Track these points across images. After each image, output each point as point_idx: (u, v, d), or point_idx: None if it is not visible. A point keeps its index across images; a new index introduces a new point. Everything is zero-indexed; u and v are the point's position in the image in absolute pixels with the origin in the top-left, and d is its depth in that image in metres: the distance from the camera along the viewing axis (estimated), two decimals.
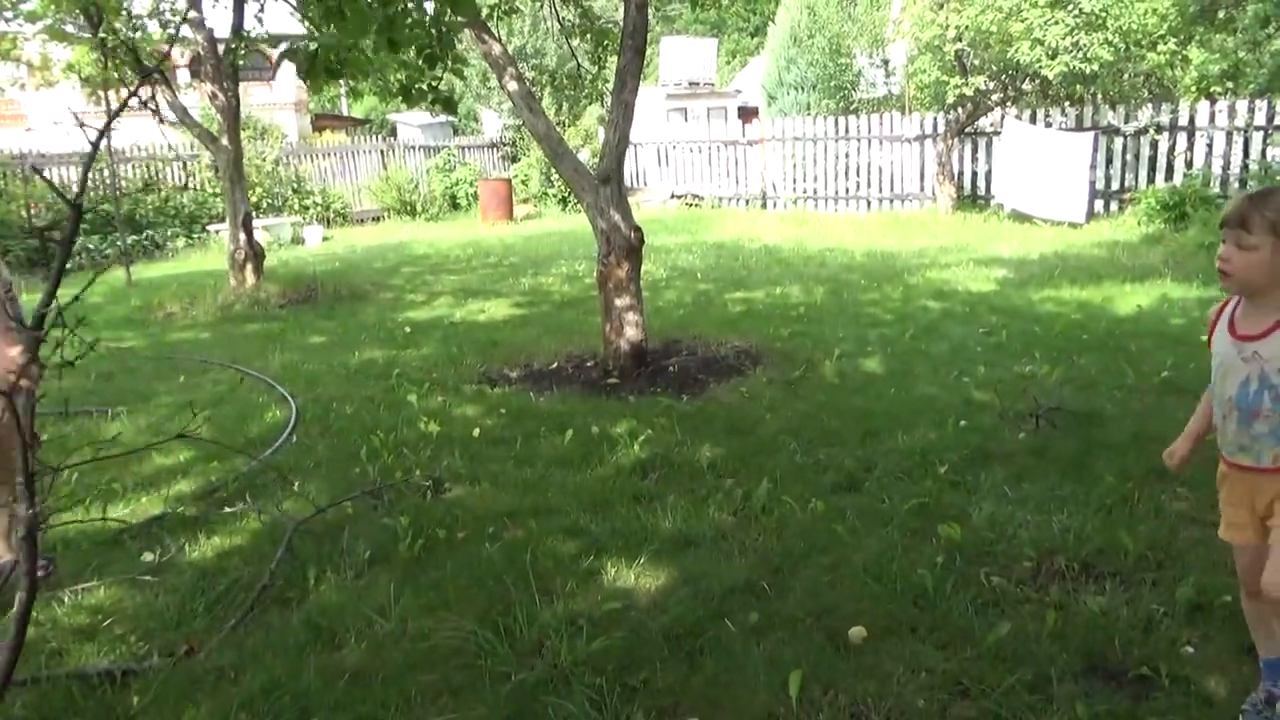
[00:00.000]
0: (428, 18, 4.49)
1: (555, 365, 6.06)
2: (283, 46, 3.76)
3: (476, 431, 4.70)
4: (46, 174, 13.73)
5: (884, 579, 2.98)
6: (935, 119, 14.51)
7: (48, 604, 3.05)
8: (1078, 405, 4.66)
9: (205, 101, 10.95)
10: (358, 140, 19.44)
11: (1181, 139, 12.65)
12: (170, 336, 7.83)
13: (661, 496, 3.76)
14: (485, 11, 7.14)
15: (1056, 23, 11.78)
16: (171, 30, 9.17)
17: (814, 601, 2.88)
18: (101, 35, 8.80)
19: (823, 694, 2.43)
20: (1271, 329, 2.02)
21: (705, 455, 4.20)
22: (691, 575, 3.09)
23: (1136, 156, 12.98)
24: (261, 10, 8.88)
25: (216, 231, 14.06)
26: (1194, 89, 13.41)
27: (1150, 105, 12.87)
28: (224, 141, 9.38)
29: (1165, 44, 12.10)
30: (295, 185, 16.86)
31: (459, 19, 4.74)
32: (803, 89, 18.76)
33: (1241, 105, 12.09)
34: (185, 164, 15.78)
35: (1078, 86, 12.98)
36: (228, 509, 3.88)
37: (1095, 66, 11.87)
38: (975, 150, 14.51)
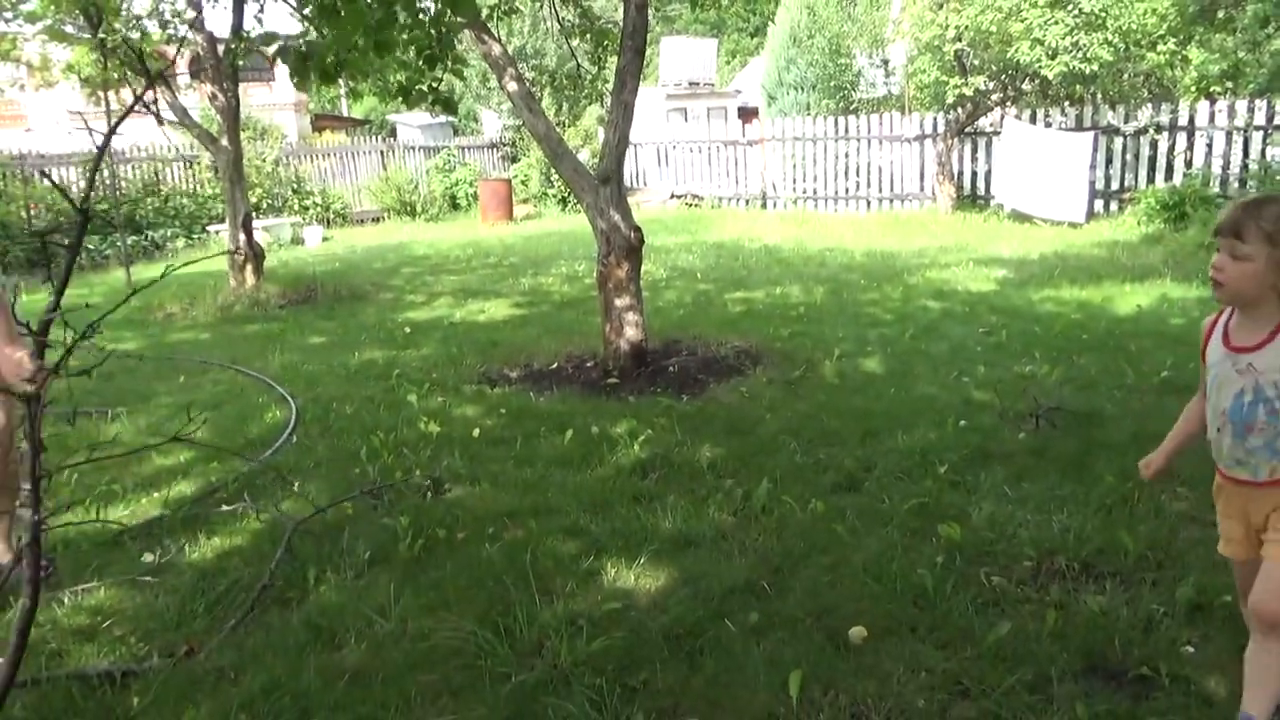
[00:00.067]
0: (427, 18, 4.49)
1: (555, 365, 6.06)
2: (275, 46, 3.75)
3: (476, 432, 4.70)
4: (41, 174, 13.77)
5: (884, 579, 2.98)
6: (935, 119, 14.51)
7: (48, 605, 3.04)
8: (1078, 405, 4.66)
9: (205, 102, 10.94)
10: (357, 141, 19.44)
11: (1181, 139, 12.65)
12: (170, 337, 7.83)
13: (661, 496, 3.76)
14: (485, 12, 7.14)
15: (1056, 23, 11.78)
16: (171, 31, 9.16)
17: (814, 601, 2.88)
18: (101, 36, 8.80)
19: (823, 694, 2.43)
20: (1266, 340, 1.99)
21: (705, 455, 4.20)
22: (691, 575, 3.09)
23: (1136, 156, 12.98)
24: (261, 10, 8.88)
25: (216, 232, 14.07)
26: (1194, 89, 13.42)
27: (1150, 105, 12.87)
28: (224, 142, 9.38)
29: (1165, 44, 12.10)
30: (295, 186, 16.86)
31: (459, 19, 4.74)
32: (802, 89, 18.76)
33: (1241, 105, 12.09)
34: (190, 163, 15.77)
35: (1077, 86, 12.98)
36: (227, 509, 3.88)
37: (1095, 66, 11.87)
38: (975, 150, 14.51)
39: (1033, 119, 13.60)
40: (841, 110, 17.79)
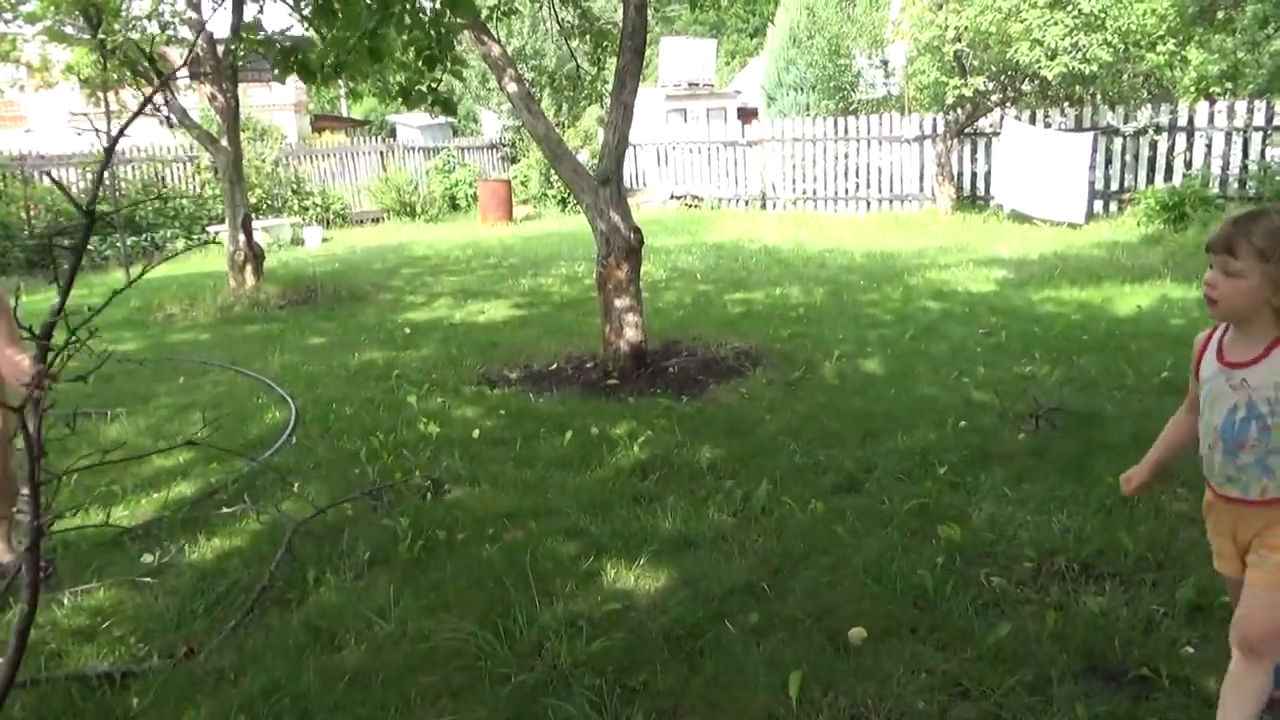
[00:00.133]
0: (426, 19, 4.49)
1: (555, 366, 6.06)
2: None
3: (476, 433, 4.70)
4: (46, 176, 13.77)
5: (884, 580, 2.98)
6: (935, 120, 14.52)
7: (47, 606, 3.04)
8: (1078, 406, 4.66)
9: (204, 103, 10.94)
10: (357, 141, 19.45)
11: (1181, 139, 12.66)
12: (170, 338, 7.83)
13: (661, 498, 3.76)
14: (484, 13, 7.14)
15: (1056, 23, 11.79)
16: (171, 32, 9.17)
17: (814, 602, 2.88)
18: (101, 36, 8.80)
19: (823, 695, 2.42)
20: (1260, 356, 1.96)
21: (705, 456, 4.20)
22: (691, 576, 3.08)
23: (1136, 157, 12.99)
24: (261, 11, 8.89)
25: (216, 233, 14.06)
26: (1193, 89, 13.42)
27: (1149, 106, 12.88)
28: (223, 143, 9.38)
29: (1164, 44, 12.10)
30: (295, 186, 16.87)
31: (458, 20, 4.74)
32: (802, 90, 18.77)
33: (1241, 106, 12.09)
34: (193, 164, 15.76)
35: (1077, 87, 12.98)
36: (227, 510, 3.88)
37: (1094, 67, 11.88)
38: (975, 151, 14.52)
39: (1032, 120, 13.60)
40: (841, 111, 17.80)
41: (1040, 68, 12.07)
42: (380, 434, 4.60)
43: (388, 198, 17.88)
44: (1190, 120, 12.52)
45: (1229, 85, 13.19)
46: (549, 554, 3.29)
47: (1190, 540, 3.16)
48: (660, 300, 8.07)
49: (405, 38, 4.54)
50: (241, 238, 9.43)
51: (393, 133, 23.00)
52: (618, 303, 5.66)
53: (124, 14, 8.95)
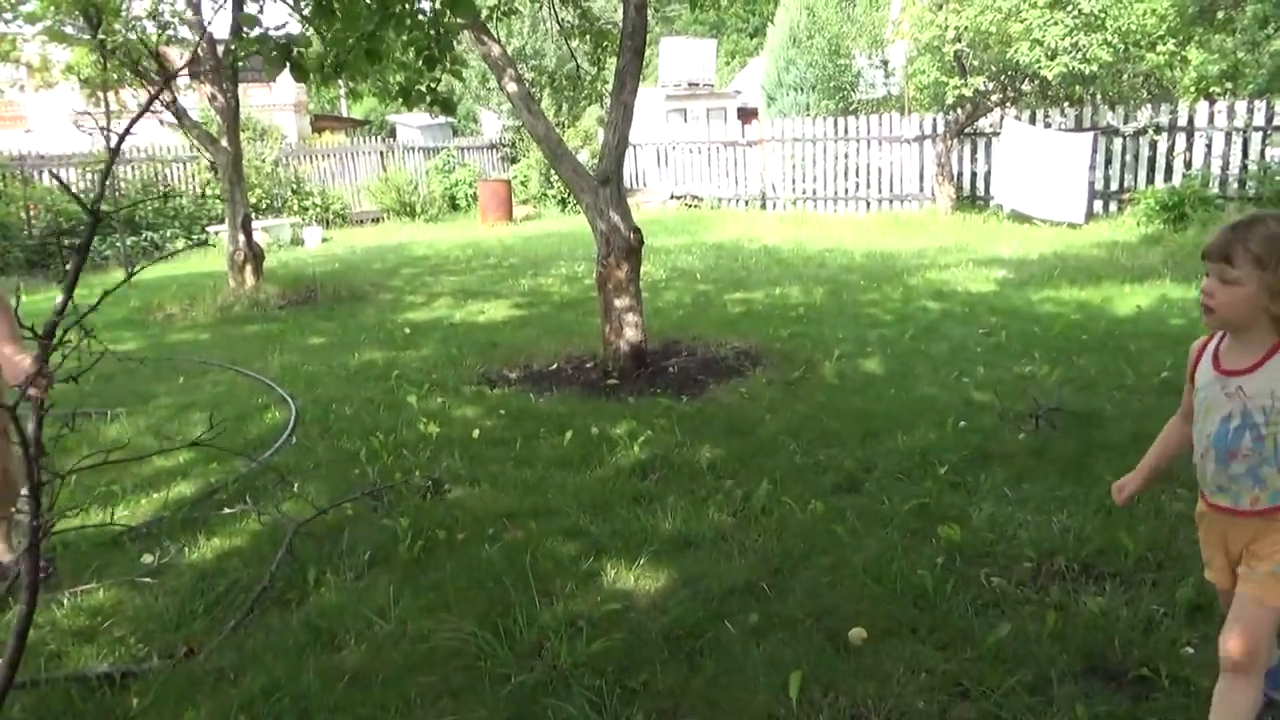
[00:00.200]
0: (426, 19, 4.49)
1: (555, 366, 6.06)
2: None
3: (476, 433, 4.70)
4: (46, 176, 13.77)
5: (884, 580, 2.98)
6: (934, 120, 14.52)
7: (47, 606, 3.04)
8: (1077, 406, 4.66)
9: (204, 103, 10.94)
10: (357, 141, 19.45)
11: (1181, 139, 12.66)
12: (170, 338, 7.83)
13: (661, 497, 3.76)
14: (484, 13, 7.14)
15: (1055, 23, 11.79)
16: (171, 33, 9.16)
17: (814, 602, 2.88)
18: (100, 37, 8.80)
19: (823, 695, 2.42)
20: (1257, 364, 1.93)
21: (705, 456, 4.20)
22: (691, 576, 3.08)
23: (1136, 157, 12.99)
24: (261, 11, 8.88)
25: (216, 233, 14.07)
26: (1193, 89, 13.43)
27: (1149, 106, 12.88)
28: (223, 143, 9.38)
29: (1164, 45, 12.11)
30: (295, 186, 16.87)
31: (457, 20, 4.74)
32: (802, 90, 18.78)
33: (1241, 106, 12.10)
34: (197, 165, 15.75)
35: (1077, 87, 12.99)
36: (227, 510, 3.88)
37: (1094, 67, 11.88)
38: (975, 151, 14.52)
39: (1032, 120, 13.60)
40: (841, 111, 17.80)
41: (1040, 68, 12.08)
42: (380, 434, 4.60)
43: (388, 198, 17.89)
44: (1190, 120, 12.53)
45: (1229, 85, 13.20)
46: (549, 554, 3.29)
47: (1190, 540, 3.15)
48: (660, 300, 8.07)
49: (405, 38, 4.54)
50: (241, 238, 9.42)
51: (393, 133, 23.00)
52: (618, 302, 5.66)
53: (124, 14, 8.94)
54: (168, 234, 14.44)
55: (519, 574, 3.10)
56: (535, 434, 4.65)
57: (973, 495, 3.65)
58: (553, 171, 14.79)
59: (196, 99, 12.86)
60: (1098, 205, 12.98)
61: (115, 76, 9.66)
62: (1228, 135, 12.18)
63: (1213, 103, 12.46)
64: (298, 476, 4.23)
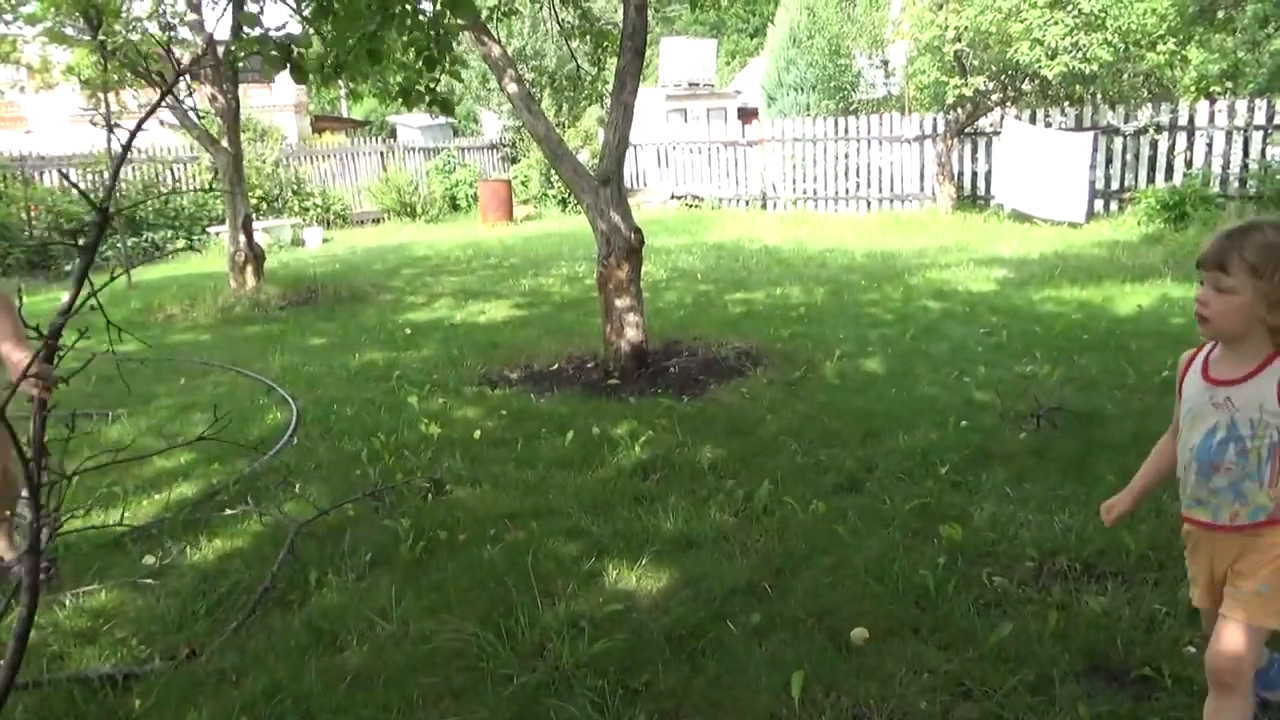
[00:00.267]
0: (426, 20, 4.49)
1: (556, 366, 6.06)
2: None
3: (477, 433, 4.70)
4: (46, 177, 13.76)
5: (886, 580, 2.98)
6: (935, 119, 14.52)
7: (49, 608, 3.04)
8: (1079, 405, 4.66)
9: (205, 104, 10.95)
10: (357, 142, 19.45)
11: (1181, 139, 12.66)
12: (170, 338, 7.83)
13: (663, 498, 3.76)
14: (484, 13, 7.14)
15: (1056, 23, 11.79)
16: (172, 33, 9.17)
17: (816, 602, 2.88)
18: (101, 38, 8.80)
19: (825, 695, 2.42)
20: (1249, 375, 1.88)
21: (706, 456, 4.20)
22: (693, 576, 3.08)
23: (1136, 156, 12.99)
24: (261, 12, 8.88)
25: (216, 234, 14.07)
26: (1193, 89, 13.43)
27: (1150, 105, 12.88)
28: (224, 144, 9.38)
29: (1164, 44, 12.11)
30: (295, 187, 16.87)
31: (457, 21, 4.74)
32: (802, 90, 18.77)
33: (1241, 105, 12.09)
34: (198, 166, 15.75)
35: (1077, 86, 12.98)
36: (229, 511, 3.88)
37: (1095, 66, 11.88)
38: (975, 150, 14.52)
39: (1032, 119, 13.60)
40: (841, 111, 17.80)
41: (1040, 67, 12.07)
42: (381, 435, 4.60)
43: (388, 198, 17.89)
44: (1190, 119, 12.52)
45: (1229, 84, 13.19)
46: (550, 554, 3.29)
47: None
48: (661, 300, 8.07)
49: (405, 38, 4.54)
50: (242, 238, 9.43)
51: (393, 133, 23.00)
52: (618, 303, 5.66)
53: (124, 15, 8.95)
54: (168, 235, 14.45)
55: (520, 574, 3.10)
56: (536, 434, 4.65)
57: (974, 495, 3.65)
58: (553, 172, 14.78)
59: (197, 99, 12.88)
60: (1098, 205, 12.98)
61: (115, 78, 9.66)
62: (1228, 134, 12.18)
63: (1213, 102, 12.46)
64: (299, 477, 4.23)
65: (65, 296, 1.94)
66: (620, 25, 5.87)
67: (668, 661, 2.60)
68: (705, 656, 2.63)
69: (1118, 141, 13.05)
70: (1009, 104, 13.81)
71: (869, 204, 15.40)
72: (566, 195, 16.83)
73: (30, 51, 10.65)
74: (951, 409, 4.70)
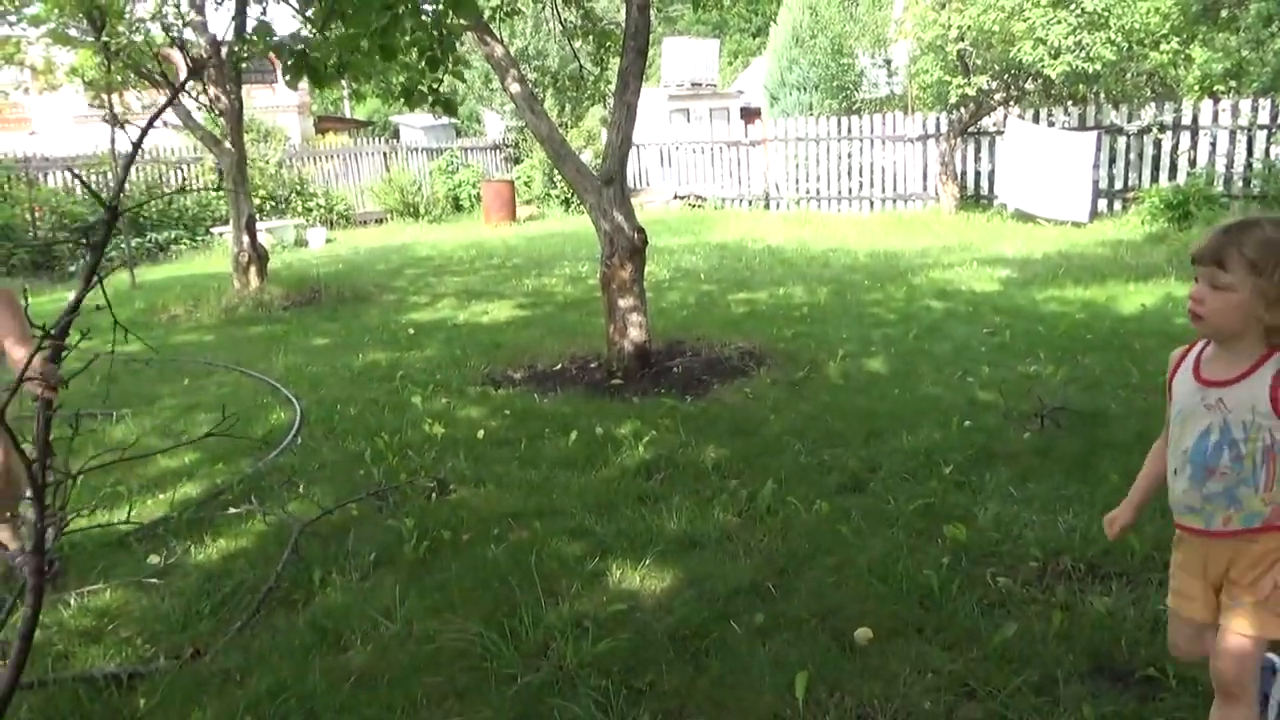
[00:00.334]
0: (429, 20, 4.49)
1: (559, 366, 6.06)
2: (271, 40, 3.75)
3: (481, 433, 4.71)
4: (50, 178, 13.79)
5: (889, 580, 2.98)
6: (938, 119, 14.51)
7: (54, 607, 3.05)
8: (1082, 405, 4.65)
9: (206, 105, 10.96)
10: (360, 142, 19.47)
11: (1185, 138, 12.64)
12: (174, 339, 7.84)
13: (666, 498, 3.76)
14: (487, 13, 7.15)
15: (1059, 22, 11.78)
16: (175, 34, 9.18)
17: (819, 602, 2.87)
18: (104, 39, 8.82)
19: (829, 695, 2.42)
20: (1242, 375, 1.81)
21: (710, 456, 4.20)
22: (697, 576, 3.08)
23: (1140, 156, 12.97)
24: (264, 13, 8.90)
25: (220, 234, 14.09)
26: (1197, 88, 13.41)
27: (1153, 104, 12.86)
28: (227, 145, 9.39)
29: (1168, 43, 12.10)
30: (298, 188, 16.89)
31: (460, 21, 4.75)
32: (805, 89, 18.77)
33: (1245, 104, 12.07)
34: (201, 167, 15.76)
35: (1080, 86, 12.98)
36: (233, 511, 3.88)
37: (1098, 66, 11.87)
38: (978, 150, 14.50)
39: (1036, 118, 13.58)
40: (844, 110, 17.79)
41: (1044, 66, 12.06)
42: (385, 435, 4.60)
43: (391, 199, 17.91)
44: (1194, 119, 12.50)
45: (1233, 84, 13.17)
46: (554, 554, 3.29)
47: None
48: (664, 300, 8.07)
49: (408, 38, 4.54)
50: (246, 239, 9.44)
51: (396, 134, 23.03)
52: (621, 303, 5.66)
53: (127, 16, 8.96)
54: (172, 235, 14.47)
55: (524, 574, 3.10)
56: (540, 434, 4.65)
57: (978, 495, 3.65)
58: (556, 172, 14.79)
59: (202, 99, 12.89)
60: (1102, 204, 12.96)
61: (119, 79, 9.68)
62: (1232, 134, 12.16)
63: (1217, 101, 12.44)
64: (303, 477, 4.24)
65: (71, 295, 1.94)
66: (623, 25, 5.87)
67: (671, 661, 2.60)
68: (709, 656, 2.63)
69: (1121, 141, 13.03)
70: (1012, 103, 13.80)
71: (872, 204, 15.39)
72: (569, 195, 16.85)
73: (34, 53, 10.67)
74: (955, 409, 4.69)
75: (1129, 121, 12.92)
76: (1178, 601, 2.01)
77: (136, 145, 2.03)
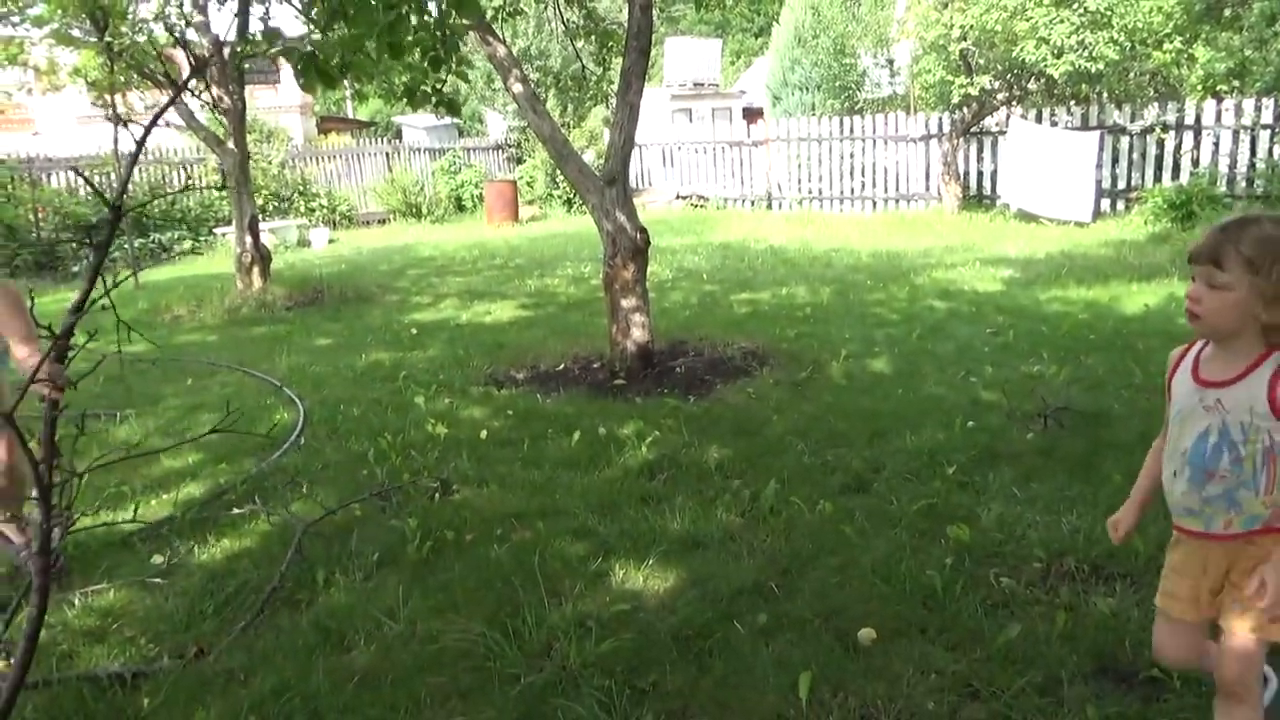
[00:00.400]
0: (431, 20, 4.49)
1: (562, 367, 6.06)
2: (280, 45, 3.75)
3: (484, 433, 4.71)
4: (54, 179, 13.81)
5: (893, 580, 2.98)
6: (940, 119, 14.50)
7: (58, 606, 3.06)
8: (1085, 405, 4.65)
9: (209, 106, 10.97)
10: (363, 143, 19.48)
11: (1188, 138, 12.63)
12: (178, 339, 7.85)
13: (669, 498, 3.76)
14: (489, 13, 7.15)
15: (1062, 21, 11.77)
16: (178, 34, 9.19)
17: (823, 603, 2.87)
18: (108, 39, 8.83)
19: (832, 696, 2.42)
20: (1240, 376, 1.80)
21: (713, 456, 4.20)
22: (700, 577, 3.08)
23: (1143, 155, 12.96)
24: (267, 14, 8.90)
25: (223, 234, 14.11)
26: (1200, 87, 13.39)
27: (1156, 104, 12.85)
28: (230, 145, 9.40)
29: (1171, 42, 12.08)
30: (301, 188, 16.90)
31: (463, 21, 4.75)
32: (807, 89, 18.75)
33: (1248, 104, 12.06)
34: (204, 167, 15.77)
35: (1083, 85, 12.97)
36: (237, 511, 3.89)
37: (1101, 65, 11.86)
38: (981, 150, 14.49)
39: (1038, 118, 13.57)
40: (846, 110, 17.78)
41: (1046, 66, 12.05)
42: (388, 435, 4.61)
43: (394, 199, 17.92)
44: (1197, 118, 12.49)
45: (1236, 83, 13.15)
46: (557, 554, 3.29)
47: None
48: (666, 300, 8.07)
49: (411, 38, 4.54)
50: (248, 239, 9.45)
51: (398, 134, 23.03)
52: (624, 303, 5.66)
53: (130, 17, 8.97)
54: (174, 235, 14.48)
55: (527, 574, 3.11)
56: (543, 434, 4.66)
57: (981, 495, 3.65)
58: (558, 172, 14.80)
59: (205, 99, 12.90)
60: (1105, 204, 12.95)
61: (122, 79, 9.69)
62: (1235, 133, 12.15)
63: (1220, 100, 12.43)
64: (306, 477, 4.24)
65: (76, 295, 1.95)
66: (625, 25, 5.87)
67: (675, 661, 2.60)
68: (712, 657, 2.63)
69: (1124, 140, 13.03)
70: (1015, 103, 13.79)
71: (874, 204, 15.38)
72: (572, 195, 16.85)
73: (37, 53, 10.70)
74: (958, 409, 4.69)
75: (1132, 121, 12.91)
76: (1166, 601, 2.02)
77: (139, 145, 2.03)
